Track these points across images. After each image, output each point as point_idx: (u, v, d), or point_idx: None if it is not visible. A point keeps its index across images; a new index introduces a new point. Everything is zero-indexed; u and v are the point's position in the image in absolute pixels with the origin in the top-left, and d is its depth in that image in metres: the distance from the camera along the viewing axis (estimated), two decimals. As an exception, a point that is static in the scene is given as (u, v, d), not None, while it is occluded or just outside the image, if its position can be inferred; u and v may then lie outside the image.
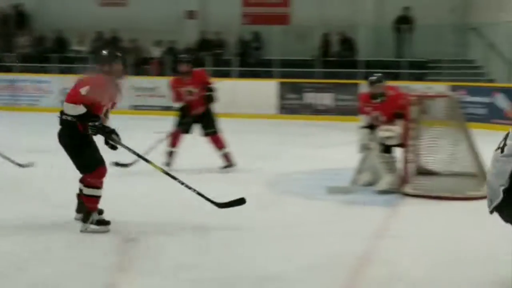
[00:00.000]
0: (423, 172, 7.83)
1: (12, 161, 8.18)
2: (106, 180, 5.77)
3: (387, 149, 7.87)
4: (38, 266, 4.81)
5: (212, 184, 7.78)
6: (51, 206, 6.58)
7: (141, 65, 18.24)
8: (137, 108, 17.22)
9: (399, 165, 7.79)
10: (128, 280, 4.60)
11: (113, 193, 6.08)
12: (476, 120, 13.35)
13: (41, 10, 20.23)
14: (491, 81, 15.82)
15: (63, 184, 6.92)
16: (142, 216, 6.28)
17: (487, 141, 8.95)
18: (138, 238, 5.51)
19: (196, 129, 8.95)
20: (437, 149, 7.80)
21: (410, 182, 7.31)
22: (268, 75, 17.66)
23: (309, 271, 4.78)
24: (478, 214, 6.40)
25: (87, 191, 5.75)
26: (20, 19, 19.79)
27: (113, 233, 5.66)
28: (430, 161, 7.88)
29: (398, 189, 7.43)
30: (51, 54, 18.73)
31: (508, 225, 4.35)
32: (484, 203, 6.74)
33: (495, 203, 4.17)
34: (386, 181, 7.61)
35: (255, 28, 18.62)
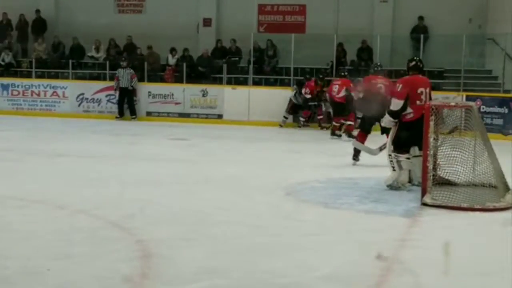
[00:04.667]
0: (442, 182, 7.79)
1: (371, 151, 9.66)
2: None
3: (396, 147, 8.09)
4: (61, 270, 4.79)
5: (230, 192, 7.82)
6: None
7: (157, 72, 18.28)
8: (152, 114, 17.25)
9: (406, 165, 8.02)
10: None
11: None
12: (491, 130, 13.29)
13: (58, 17, 20.33)
14: (507, 91, 15.72)
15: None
16: (157, 223, 6.28)
17: (503, 152, 8.97)
18: (157, 245, 5.50)
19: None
20: (456, 159, 7.75)
21: (429, 192, 7.25)
22: (282, 83, 17.69)
23: (330, 280, 4.73)
24: (498, 225, 6.41)
25: None
26: (38, 25, 19.84)
27: (132, 240, 5.67)
28: (449, 171, 7.84)
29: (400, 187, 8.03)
30: (67, 60, 18.76)
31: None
32: (504, 214, 6.78)
33: None
34: (389, 176, 8.13)
35: (270, 37, 18.60)
